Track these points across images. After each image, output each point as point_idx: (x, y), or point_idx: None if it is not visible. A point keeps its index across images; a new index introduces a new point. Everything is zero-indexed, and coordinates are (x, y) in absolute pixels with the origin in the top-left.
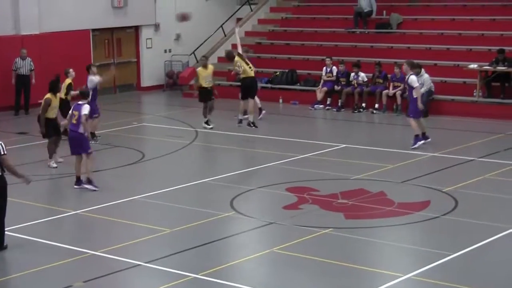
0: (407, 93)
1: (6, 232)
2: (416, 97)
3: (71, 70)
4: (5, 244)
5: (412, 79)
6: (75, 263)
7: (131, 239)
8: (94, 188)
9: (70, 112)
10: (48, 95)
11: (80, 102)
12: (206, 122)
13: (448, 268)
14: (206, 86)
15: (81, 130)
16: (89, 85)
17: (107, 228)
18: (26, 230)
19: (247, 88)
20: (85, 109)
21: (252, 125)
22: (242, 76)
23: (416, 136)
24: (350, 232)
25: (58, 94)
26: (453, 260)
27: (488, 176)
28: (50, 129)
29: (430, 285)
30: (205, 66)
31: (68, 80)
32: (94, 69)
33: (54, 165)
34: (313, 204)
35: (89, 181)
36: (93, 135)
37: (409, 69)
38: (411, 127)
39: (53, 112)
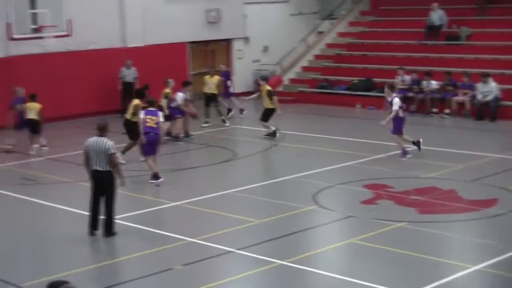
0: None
1: (115, 220)
2: (402, 117)
3: (170, 80)
4: (115, 231)
5: (395, 101)
6: (175, 249)
7: (224, 228)
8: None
9: (142, 116)
10: (137, 101)
11: (151, 109)
12: (223, 121)
13: None
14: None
15: (160, 133)
16: (177, 99)
17: (203, 218)
18: (133, 218)
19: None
20: (162, 115)
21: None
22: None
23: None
24: (423, 226)
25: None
26: None
27: None
28: (135, 132)
29: (498, 277)
30: (212, 75)
31: (165, 90)
32: (189, 87)
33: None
34: (388, 199)
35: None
36: (187, 134)
37: (390, 91)
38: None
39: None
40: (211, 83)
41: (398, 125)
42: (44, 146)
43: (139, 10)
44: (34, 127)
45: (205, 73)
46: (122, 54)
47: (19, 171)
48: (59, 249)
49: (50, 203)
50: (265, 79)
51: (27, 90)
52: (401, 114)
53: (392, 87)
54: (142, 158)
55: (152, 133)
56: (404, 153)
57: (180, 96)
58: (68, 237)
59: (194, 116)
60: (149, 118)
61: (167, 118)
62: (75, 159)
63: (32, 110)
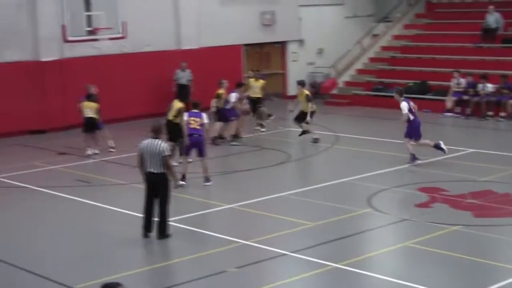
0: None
1: (169, 222)
2: (413, 120)
3: (224, 81)
4: (169, 233)
5: (402, 106)
6: (229, 251)
7: (278, 231)
8: (210, 184)
9: (186, 118)
10: (180, 103)
11: (195, 111)
12: (261, 125)
13: None
14: (253, 95)
15: (203, 134)
16: (230, 99)
17: (257, 221)
18: (187, 221)
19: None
20: (206, 117)
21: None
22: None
23: (412, 155)
24: (478, 229)
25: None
26: None
27: None
28: (176, 133)
29: None
30: (256, 79)
31: (219, 91)
32: (242, 88)
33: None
34: (443, 203)
35: (208, 179)
36: (235, 136)
37: (398, 96)
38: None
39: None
40: (256, 86)
41: (410, 129)
42: (112, 147)
43: (194, 13)
44: (90, 125)
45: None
46: (176, 56)
47: (73, 172)
48: (113, 251)
49: (104, 205)
50: (302, 83)
51: (82, 93)
52: (411, 117)
53: (400, 92)
54: (180, 160)
55: (195, 135)
56: (413, 159)
57: (233, 96)
58: (122, 239)
59: (246, 113)
60: (193, 120)
61: (220, 119)
62: (129, 161)
63: (89, 109)
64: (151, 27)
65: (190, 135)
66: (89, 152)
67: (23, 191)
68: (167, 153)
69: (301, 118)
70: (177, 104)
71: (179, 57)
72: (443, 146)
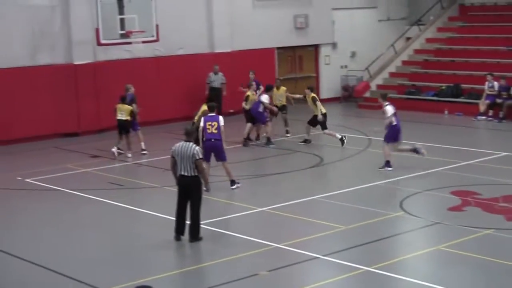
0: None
1: (202, 226)
2: (396, 125)
3: (253, 83)
4: (201, 236)
5: (387, 109)
6: (260, 255)
7: (310, 234)
8: (236, 186)
9: (202, 124)
10: (205, 107)
11: (211, 114)
12: (286, 132)
13: None
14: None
15: (221, 138)
16: (262, 99)
17: (289, 224)
18: (219, 224)
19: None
20: (222, 120)
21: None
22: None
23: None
24: (511, 233)
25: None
26: None
27: None
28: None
29: None
30: (277, 88)
31: (248, 93)
32: (271, 92)
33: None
34: (475, 206)
35: (234, 182)
36: (269, 140)
37: (382, 100)
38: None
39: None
40: (278, 94)
41: (390, 133)
42: (144, 150)
43: (226, 16)
44: (123, 127)
45: (292, 79)
46: (209, 60)
47: (106, 175)
48: (145, 254)
49: (137, 207)
50: (310, 88)
51: (116, 96)
52: (394, 122)
53: (384, 96)
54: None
55: (213, 140)
56: (386, 164)
57: (264, 97)
58: (154, 241)
59: (274, 114)
60: (209, 125)
61: (249, 120)
62: (161, 164)
63: (123, 111)
64: (184, 30)
65: (208, 139)
66: (115, 152)
67: (56, 194)
68: (199, 156)
69: (313, 122)
70: (203, 107)
71: (212, 60)
72: (421, 150)
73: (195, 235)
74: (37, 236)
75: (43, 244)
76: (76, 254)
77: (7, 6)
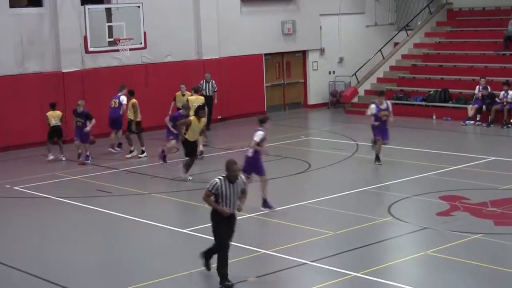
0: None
1: (188, 233)
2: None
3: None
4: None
5: (370, 107)
6: (249, 261)
7: (299, 240)
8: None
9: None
10: (193, 117)
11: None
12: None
13: None
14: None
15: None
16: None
17: (277, 230)
18: (207, 230)
19: None
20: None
21: None
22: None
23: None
24: (500, 238)
25: (202, 119)
26: None
27: None
28: (190, 150)
29: None
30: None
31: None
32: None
33: (190, 178)
34: (464, 211)
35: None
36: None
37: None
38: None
39: (193, 136)
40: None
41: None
42: (115, 150)
43: (214, 22)
44: (57, 132)
45: (279, 85)
46: (197, 66)
47: (94, 183)
48: (134, 261)
49: (125, 215)
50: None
51: (104, 103)
52: (375, 123)
53: (380, 93)
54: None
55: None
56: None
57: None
58: (143, 248)
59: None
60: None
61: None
62: (150, 171)
63: (55, 117)
64: (171, 37)
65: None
66: (51, 157)
67: (44, 201)
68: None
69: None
70: (190, 120)
71: (200, 67)
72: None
73: (204, 253)
74: (26, 244)
75: (31, 252)
76: (65, 262)
77: None
